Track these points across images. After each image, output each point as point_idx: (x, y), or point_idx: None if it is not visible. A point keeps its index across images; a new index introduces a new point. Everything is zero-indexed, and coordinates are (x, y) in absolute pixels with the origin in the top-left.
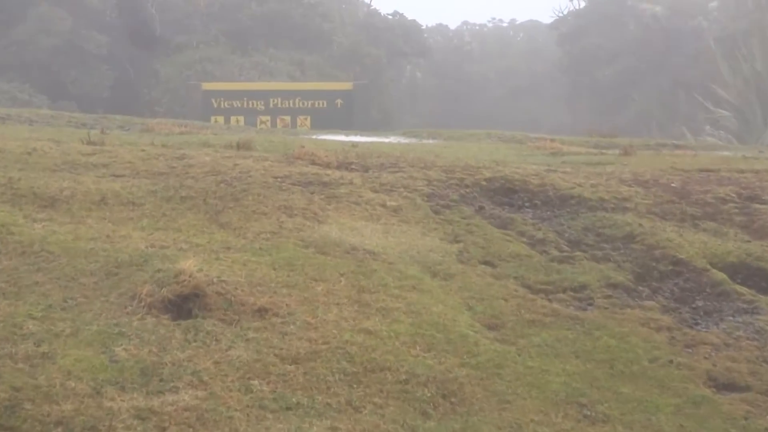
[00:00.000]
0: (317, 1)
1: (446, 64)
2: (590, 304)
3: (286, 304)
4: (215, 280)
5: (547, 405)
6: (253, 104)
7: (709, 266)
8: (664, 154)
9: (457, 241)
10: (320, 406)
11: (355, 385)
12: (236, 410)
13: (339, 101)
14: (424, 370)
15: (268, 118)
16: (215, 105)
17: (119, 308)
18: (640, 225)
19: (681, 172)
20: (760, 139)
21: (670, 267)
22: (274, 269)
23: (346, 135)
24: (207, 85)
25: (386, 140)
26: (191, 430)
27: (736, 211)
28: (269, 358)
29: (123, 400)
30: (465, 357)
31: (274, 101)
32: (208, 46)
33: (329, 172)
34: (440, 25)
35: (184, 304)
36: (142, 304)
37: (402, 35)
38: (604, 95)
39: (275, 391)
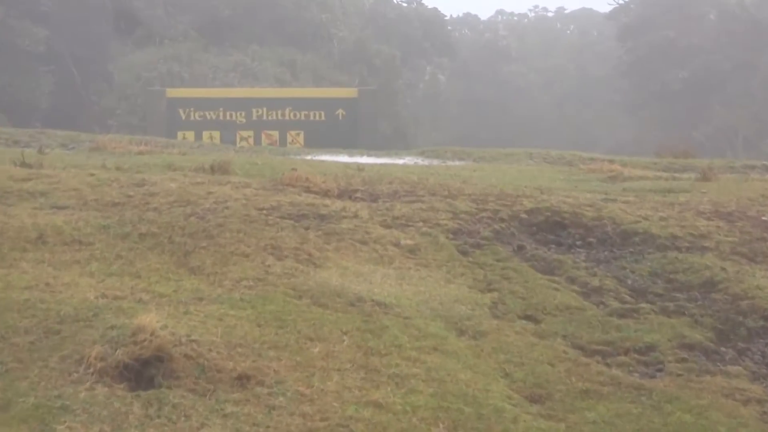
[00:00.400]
0: None
1: (476, 65)
2: (659, 370)
3: (274, 371)
4: (184, 339)
5: None
6: (231, 116)
7: None
8: (753, 179)
9: (491, 290)
10: None
11: None
12: None
13: (340, 112)
14: None
15: (251, 133)
16: (183, 117)
17: (62, 375)
18: (723, 269)
19: None
20: None
21: (761, 323)
22: (259, 326)
23: (350, 155)
24: (173, 92)
25: (400, 162)
26: None
27: None
28: None
29: None
30: None
31: (258, 112)
32: (175, 42)
33: (328, 202)
34: (468, 15)
35: (145, 370)
36: (91, 370)
37: (420, 28)
38: (677, 104)
39: None
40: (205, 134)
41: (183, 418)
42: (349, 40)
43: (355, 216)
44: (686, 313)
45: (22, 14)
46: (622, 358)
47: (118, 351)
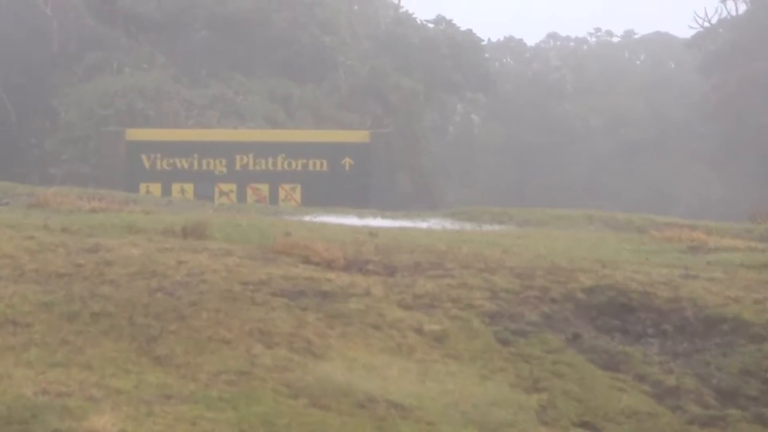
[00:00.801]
0: (313, 0)
1: (520, 103)
2: None
3: None
4: None
5: None
6: (208, 164)
7: None
8: None
9: (539, 390)
10: None
11: None
12: None
13: (347, 161)
14: None
15: (233, 186)
16: (147, 165)
17: None
18: None
19: None
20: None
21: None
22: None
23: (360, 216)
24: (134, 134)
25: (424, 225)
26: None
27: None
28: None
29: None
30: None
31: (242, 160)
32: (138, 70)
33: (332, 275)
34: (512, 39)
35: None
36: None
37: (450, 56)
38: None
39: None
40: (175, 187)
41: None
42: (360, 70)
43: (367, 294)
44: None
45: None
46: None
47: None
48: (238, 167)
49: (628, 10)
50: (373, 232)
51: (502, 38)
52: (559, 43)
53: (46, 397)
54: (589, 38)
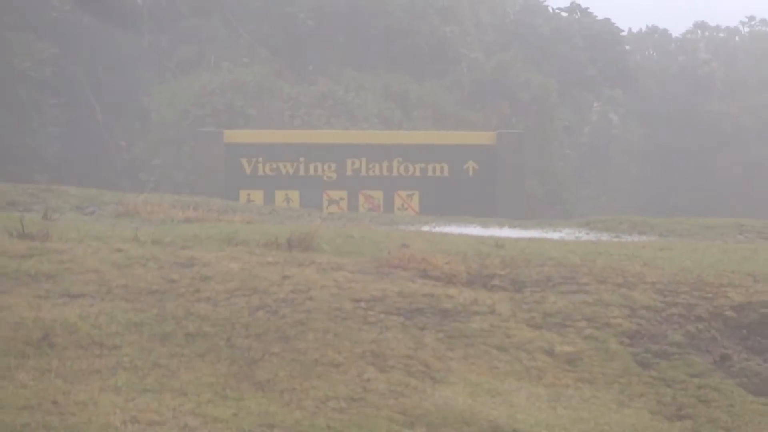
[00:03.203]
0: None
1: (664, 100)
2: None
3: None
4: None
5: None
6: (316, 169)
7: None
8: None
9: (682, 417)
10: None
11: None
12: None
13: (471, 165)
14: None
15: (344, 193)
16: (248, 170)
17: None
18: None
19: None
20: None
21: None
22: None
23: (484, 226)
24: (233, 135)
25: (556, 236)
26: None
27: None
28: None
29: None
30: None
31: (354, 164)
32: (237, 65)
33: (453, 291)
34: (655, 29)
35: None
36: None
37: (586, 48)
38: None
39: None
40: (279, 194)
41: None
42: (486, 64)
43: (492, 312)
44: None
45: (21, 24)
46: None
47: None
48: (349, 172)
49: None
50: (499, 244)
51: (644, 28)
52: (707, 33)
53: (135, 426)
54: (741, 28)
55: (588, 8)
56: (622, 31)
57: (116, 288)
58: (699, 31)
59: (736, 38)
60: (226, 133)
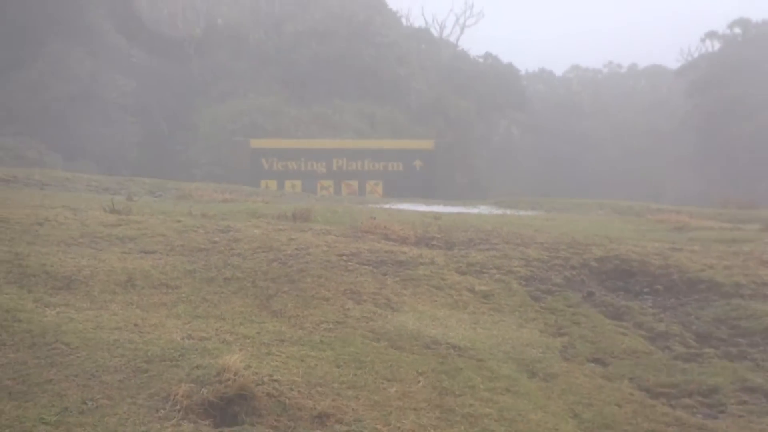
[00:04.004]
0: (392, 41)
1: (549, 119)
2: (722, 412)
3: (353, 409)
4: (266, 379)
5: None
6: (312, 166)
7: None
8: None
9: (561, 334)
10: None
11: None
12: None
13: (418, 163)
14: None
15: (331, 182)
16: (266, 166)
17: (150, 412)
18: None
19: None
20: None
21: None
22: (338, 366)
23: (427, 204)
24: (256, 143)
25: (475, 211)
26: None
27: None
28: None
29: None
30: None
31: (338, 162)
32: (259, 95)
33: (406, 249)
34: (543, 70)
35: (228, 408)
36: (178, 407)
37: (496, 83)
38: (743, 157)
39: None
40: (287, 183)
41: None
42: (427, 93)
43: (432, 263)
44: (748, 357)
45: (111, 66)
46: (686, 400)
47: (203, 389)
48: (334, 168)
49: (634, 45)
50: (436, 216)
51: (536, 69)
52: (580, 73)
53: (190, 341)
54: (603, 69)
55: (497, 55)
56: (520, 71)
57: (176, 247)
58: (574, 73)
59: (599, 76)
60: (252, 141)
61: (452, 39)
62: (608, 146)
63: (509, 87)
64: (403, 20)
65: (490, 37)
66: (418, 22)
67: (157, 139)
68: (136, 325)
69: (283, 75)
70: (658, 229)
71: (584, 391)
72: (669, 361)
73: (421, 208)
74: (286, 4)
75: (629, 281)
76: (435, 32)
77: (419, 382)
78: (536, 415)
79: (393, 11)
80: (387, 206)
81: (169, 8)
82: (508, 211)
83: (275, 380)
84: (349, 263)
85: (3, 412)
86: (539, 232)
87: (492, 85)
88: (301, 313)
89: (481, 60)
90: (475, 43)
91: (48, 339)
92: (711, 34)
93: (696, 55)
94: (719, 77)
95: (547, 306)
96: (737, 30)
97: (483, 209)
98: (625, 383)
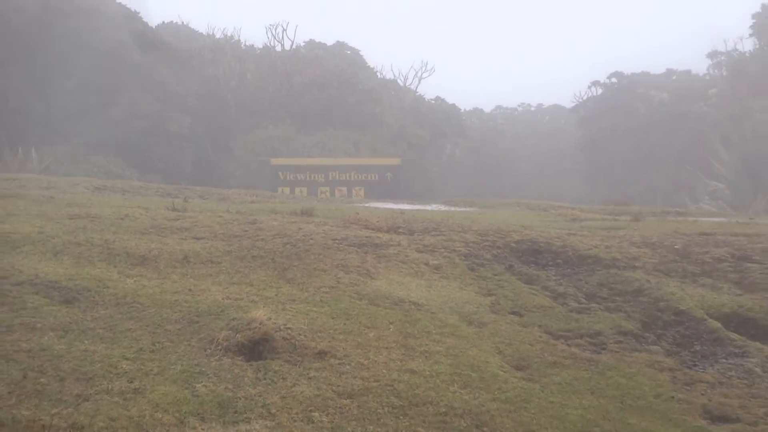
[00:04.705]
0: (370, 88)
1: (481, 143)
2: (604, 348)
3: (343, 348)
4: (282, 327)
5: None
6: (314, 177)
7: (706, 316)
8: (669, 220)
9: (490, 295)
10: None
11: (401, 417)
12: None
13: (389, 174)
14: (460, 404)
15: (328, 188)
16: (282, 177)
17: (200, 351)
18: (647, 281)
19: (683, 235)
20: (751, 207)
21: (673, 317)
22: (333, 318)
23: (395, 203)
24: (275, 161)
25: (429, 208)
26: None
27: (730, 269)
28: (328, 393)
29: (203, 429)
30: (496, 393)
31: (332, 174)
32: (276, 127)
33: (380, 235)
34: (476, 109)
35: (255, 348)
36: (219, 347)
37: (443, 118)
38: (618, 170)
39: (333, 422)
40: (297, 190)
41: (281, 380)
42: (395, 125)
43: (398, 244)
44: (622, 310)
45: (173, 108)
46: (578, 340)
47: (237, 335)
48: (330, 178)
49: (539, 90)
50: (402, 212)
51: (471, 108)
52: (502, 111)
53: (228, 301)
54: (518, 108)
55: (444, 98)
56: (460, 109)
57: (219, 234)
58: (498, 110)
59: (515, 113)
60: (272, 160)
61: (412, 87)
62: (523, 163)
63: (452, 121)
64: (378, 74)
65: (439, 85)
66: (389, 75)
67: (205, 158)
68: (190, 290)
69: (294, 113)
70: (559, 220)
71: (506, 334)
72: (566, 313)
73: (391, 206)
74: (295, 63)
75: (538, 257)
76: (400, 82)
77: (390, 328)
78: (472, 352)
79: (371, 67)
80: (367, 205)
81: (214, 70)
82: (453, 208)
83: (288, 328)
84: (340, 245)
85: (96, 352)
86: (474, 222)
87: (440, 119)
88: (307, 280)
89: (433, 101)
90: (428, 90)
91: (128, 300)
92: (595, 83)
93: (585, 97)
94: (601, 113)
95: (480, 275)
96: (614, 80)
97: (435, 207)
98: (535, 329)
